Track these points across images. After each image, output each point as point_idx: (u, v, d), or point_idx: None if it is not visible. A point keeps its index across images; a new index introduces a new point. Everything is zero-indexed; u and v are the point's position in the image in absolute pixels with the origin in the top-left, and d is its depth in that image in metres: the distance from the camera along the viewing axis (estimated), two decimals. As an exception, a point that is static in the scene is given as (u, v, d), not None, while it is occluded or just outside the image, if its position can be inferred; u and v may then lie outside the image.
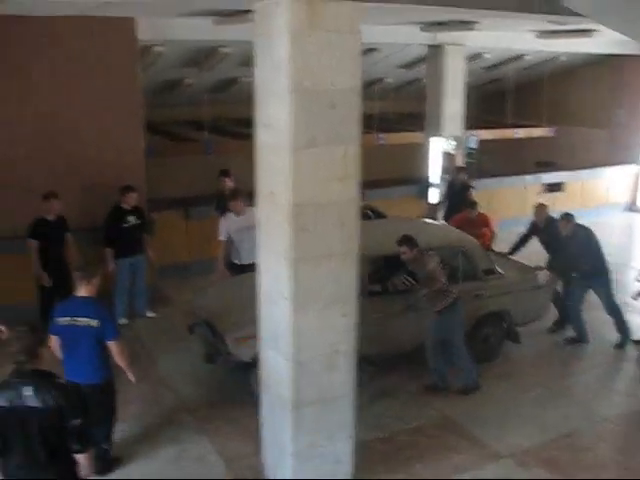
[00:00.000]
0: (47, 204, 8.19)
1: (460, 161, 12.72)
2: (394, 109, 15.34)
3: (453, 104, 12.53)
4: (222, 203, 8.84)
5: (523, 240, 9.22)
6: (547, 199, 13.97)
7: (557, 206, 14.32)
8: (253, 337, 6.52)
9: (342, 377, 5.23)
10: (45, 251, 8.20)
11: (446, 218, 10.71)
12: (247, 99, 12.85)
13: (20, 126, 8.76)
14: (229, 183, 9.45)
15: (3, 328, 6.21)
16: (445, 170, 12.29)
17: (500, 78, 15.57)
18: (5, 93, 8.65)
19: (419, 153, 13.15)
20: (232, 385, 7.21)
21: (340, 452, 5.44)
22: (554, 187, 14.41)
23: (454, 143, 12.65)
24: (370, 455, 6.14)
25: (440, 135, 12.63)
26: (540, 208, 9.04)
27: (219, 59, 11.11)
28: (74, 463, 4.20)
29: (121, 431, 6.43)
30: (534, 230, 9.12)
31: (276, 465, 5.59)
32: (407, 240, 6.96)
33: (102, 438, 5.76)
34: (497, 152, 15.68)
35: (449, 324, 7.10)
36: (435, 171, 12.73)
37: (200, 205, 10.54)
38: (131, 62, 9.35)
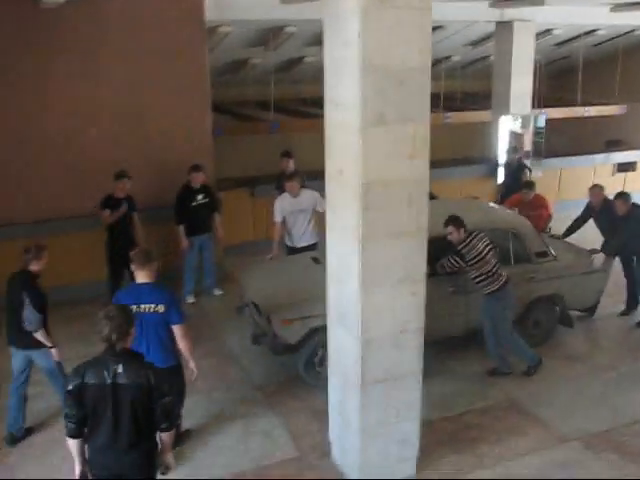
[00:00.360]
0: (118, 183, 8.40)
1: (528, 140, 12.47)
2: (461, 88, 15.09)
3: (521, 82, 12.25)
4: (282, 184, 8.92)
5: (579, 222, 8.94)
6: (618, 179, 13.71)
7: (628, 186, 13.98)
8: (299, 319, 6.70)
9: (410, 356, 5.22)
10: (112, 229, 8.44)
11: (502, 199, 10.53)
12: (312, 79, 12.94)
13: (90, 107, 8.97)
14: (290, 164, 9.50)
15: None
16: (513, 150, 12.07)
17: (570, 55, 15.14)
18: (75, 75, 8.83)
19: (486, 132, 12.94)
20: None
21: (406, 431, 5.45)
22: (625, 166, 13.99)
23: (522, 122, 12.40)
24: (436, 435, 6.15)
25: (508, 114, 12.39)
26: (595, 189, 8.69)
27: (285, 39, 11.12)
28: (155, 445, 4.28)
29: (189, 405, 6.59)
30: (590, 212, 8.81)
31: (342, 443, 5.64)
32: (453, 220, 6.79)
33: None
34: (566, 131, 15.30)
35: (498, 307, 6.95)
36: (503, 151, 12.51)
37: (266, 184, 10.60)
38: (199, 42, 9.45)
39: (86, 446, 4.21)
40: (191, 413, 6.49)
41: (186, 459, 5.85)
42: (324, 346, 6.79)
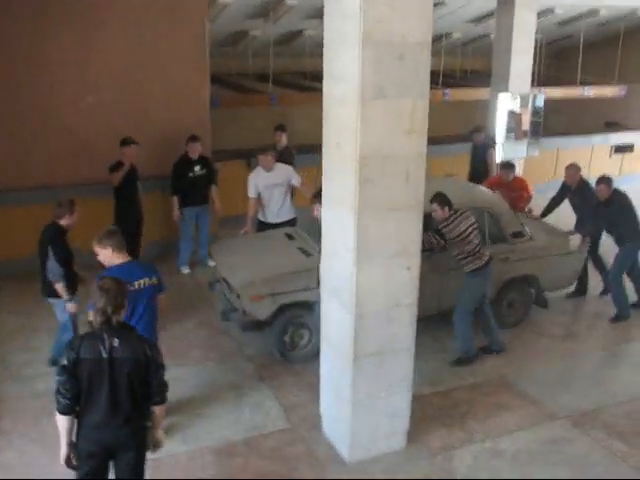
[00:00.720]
0: (125, 149, 8.43)
1: (526, 119, 12.41)
2: (461, 65, 15.02)
3: (521, 61, 12.14)
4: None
5: (555, 202, 8.86)
6: (615, 160, 13.71)
7: (625, 167, 14.00)
8: (269, 296, 6.65)
9: (403, 330, 5.25)
10: (120, 196, 8.54)
11: (470, 179, 10.35)
12: (311, 52, 12.85)
13: (89, 76, 8.93)
14: (283, 138, 9.47)
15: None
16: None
17: (572, 35, 15.06)
18: (76, 44, 8.79)
19: (484, 110, 12.89)
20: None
21: (397, 405, 5.49)
22: (623, 148, 13.99)
23: (520, 101, 12.33)
24: (426, 409, 6.22)
25: (506, 92, 12.33)
26: (571, 169, 8.56)
27: (285, 11, 11.03)
28: (146, 420, 4.26)
29: (183, 375, 6.66)
30: (565, 192, 8.71)
31: (333, 415, 5.69)
32: (438, 197, 6.73)
33: None
34: (565, 111, 15.26)
35: (472, 285, 6.90)
36: (500, 129, 12.45)
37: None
38: (199, 13, 9.38)
39: (76, 422, 4.13)
40: (184, 383, 6.54)
41: (178, 429, 5.89)
42: (294, 324, 6.88)
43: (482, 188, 8.63)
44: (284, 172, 8.34)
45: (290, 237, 7.68)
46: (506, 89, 12.19)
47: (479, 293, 6.97)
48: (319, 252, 6.27)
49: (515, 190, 9.08)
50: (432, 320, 7.14)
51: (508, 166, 9.37)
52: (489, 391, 6.61)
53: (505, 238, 7.56)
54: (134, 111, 9.16)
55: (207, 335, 7.48)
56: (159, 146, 9.24)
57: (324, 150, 5.18)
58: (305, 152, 8.81)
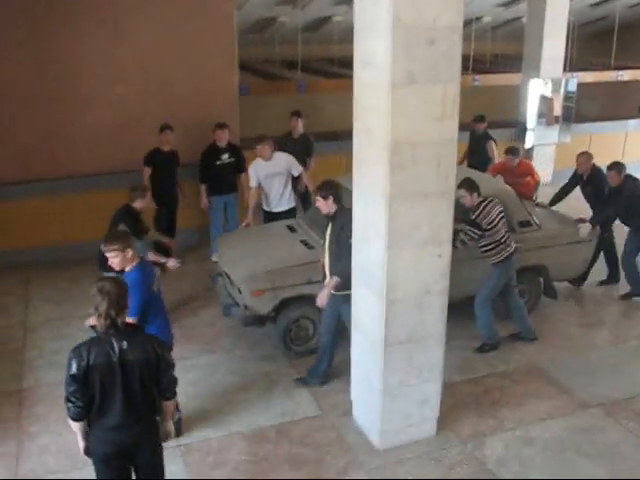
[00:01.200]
0: (162, 136, 8.61)
1: (558, 105, 12.25)
2: (491, 50, 14.84)
3: (553, 45, 11.97)
4: (290, 143, 9.03)
5: (565, 190, 8.56)
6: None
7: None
8: (270, 290, 6.51)
9: (433, 317, 5.22)
10: (156, 180, 8.63)
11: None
12: (340, 39, 12.77)
13: (118, 65, 9.01)
14: (300, 124, 9.40)
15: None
16: (541, 114, 11.84)
17: (606, 16, 14.78)
18: (105, 35, 8.87)
19: (515, 96, 12.74)
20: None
21: (428, 392, 5.48)
22: (658, 134, 13.70)
23: (552, 86, 12.18)
24: (457, 397, 6.19)
25: (538, 77, 12.17)
26: (583, 157, 8.24)
27: (313, -3, 11.01)
28: (158, 415, 4.27)
29: (213, 361, 6.75)
30: (577, 180, 8.42)
31: (363, 402, 5.70)
32: (467, 183, 6.55)
33: None
34: (599, 96, 15.01)
35: (495, 276, 6.80)
36: (532, 115, 12.31)
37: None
38: (227, 1, 9.38)
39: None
40: (216, 370, 6.61)
41: (210, 415, 5.94)
42: (296, 321, 6.76)
43: (487, 176, 8.46)
44: (284, 161, 8.27)
45: (292, 229, 7.58)
46: (538, 74, 12.05)
47: (501, 282, 6.88)
48: (322, 245, 6.30)
49: (521, 175, 8.89)
50: (463, 308, 7.09)
51: (513, 151, 9.07)
52: (520, 379, 6.56)
53: (512, 227, 7.23)
54: (163, 99, 9.20)
55: (236, 322, 7.50)
56: (189, 134, 9.25)
57: (354, 136, 5.15)
58: (334, 139, 8.75)
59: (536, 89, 12.20)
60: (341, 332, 6.18)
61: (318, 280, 6.26)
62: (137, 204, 6.80)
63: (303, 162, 8.78)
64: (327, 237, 6.06)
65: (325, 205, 5.97)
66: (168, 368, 4.12)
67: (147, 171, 8.64)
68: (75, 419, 4.00)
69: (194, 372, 6.52)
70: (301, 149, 8.95)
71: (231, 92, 9.73)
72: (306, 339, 6.90)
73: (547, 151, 12.50)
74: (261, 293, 6.51)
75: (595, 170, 8.23)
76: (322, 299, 6.01)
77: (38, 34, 8.53)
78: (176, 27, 9.11)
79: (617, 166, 7.81)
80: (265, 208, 8.47)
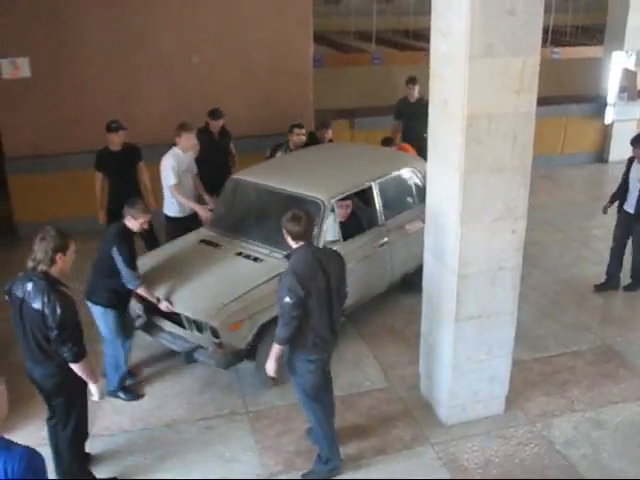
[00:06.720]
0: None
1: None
2: (571, 21, 14.35)
3: (639, 15, 11.51)
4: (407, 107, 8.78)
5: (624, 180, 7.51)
6: None
7: None
8: (247, 319, 5.57)
9: (505, 294, 5.15)
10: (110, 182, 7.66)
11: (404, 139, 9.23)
12: (415, 10, 12.55)
13: (195, 37, 9.08)
14: (415, 90, 9.08)
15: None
16: (623, 89, 11.40)
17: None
18: (180, 5, 8.96)
19: (597, 69, 12.30)
20: (388, 293, 7.21)
21: (497, 368, 5.43)
22: None
23: (636, 58, 11.70)
24: (527, 375, 6.11)
25: (621, 50, 11.71)
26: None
27: (389, -33, 10.85)
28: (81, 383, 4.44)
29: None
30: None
31: (431, 376, 5.68)
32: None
33: None
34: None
35: None
36: (613, 89, 11.88)
37: (366, 116, 10.45)
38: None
39: None
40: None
41: (277, 384, 5.90)
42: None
43: None
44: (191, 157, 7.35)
45: (210, 243, 6.50)
46: (621, 46, 11.58)
47: None
48: (268, 254, 6.03)
49: None
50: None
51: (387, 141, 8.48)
52: (593, 360, 6.42)
53: None
54: (237, 70, 9.26)
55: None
56: (261, 105, 9.30)
57: (430, 107, 5.10)
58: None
59: (619, 62, 11.75)
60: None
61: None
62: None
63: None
64: None
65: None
66: (51, 329, 4.15)
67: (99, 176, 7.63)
68: None
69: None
70: (417, 112, 8.55)
71: (306, 64, 9.70)
72: None
73: (628, 127, 12.04)
74: (239, 325, 5.55)
75: None
76: (270, 371, 4.81)
77: (118, 5, 8.68)
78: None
79: None
80: (174, 214, 7.22)
